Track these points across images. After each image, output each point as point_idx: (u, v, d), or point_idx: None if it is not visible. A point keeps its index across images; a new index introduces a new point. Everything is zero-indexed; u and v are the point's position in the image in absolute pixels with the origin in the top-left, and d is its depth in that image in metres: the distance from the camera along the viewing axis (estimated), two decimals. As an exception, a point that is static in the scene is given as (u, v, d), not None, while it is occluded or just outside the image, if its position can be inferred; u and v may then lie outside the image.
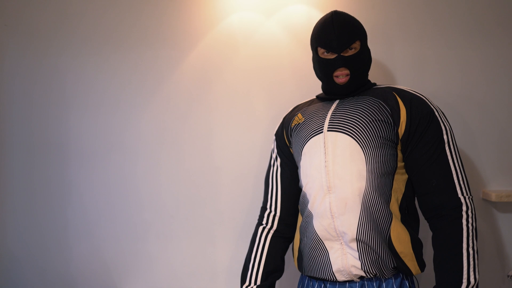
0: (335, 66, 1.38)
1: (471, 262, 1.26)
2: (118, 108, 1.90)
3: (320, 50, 1.41)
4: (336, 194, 1.33)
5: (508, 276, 1.74)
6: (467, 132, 1.78)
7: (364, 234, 1.30)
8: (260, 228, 1.55)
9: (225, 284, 1.87)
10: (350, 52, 1.38)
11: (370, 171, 1.32)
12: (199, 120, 1.89)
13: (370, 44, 1.60)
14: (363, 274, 1.31)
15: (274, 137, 1.60)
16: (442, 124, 1.35)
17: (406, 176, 1.38)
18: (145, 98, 1.90)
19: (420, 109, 1.34)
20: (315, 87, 1.82)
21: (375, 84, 1.48)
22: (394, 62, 1.82)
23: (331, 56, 1.39)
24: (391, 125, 1.34)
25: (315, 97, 1.57)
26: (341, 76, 1.39)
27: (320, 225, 1.35)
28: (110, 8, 1.90)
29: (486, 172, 1.78)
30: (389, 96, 1.38)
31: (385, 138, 1.34)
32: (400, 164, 1.36)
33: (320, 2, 1.84)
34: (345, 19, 1.39)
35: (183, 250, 1.88)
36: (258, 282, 1.48)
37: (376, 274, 1.31)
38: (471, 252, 1.27)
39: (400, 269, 1.32)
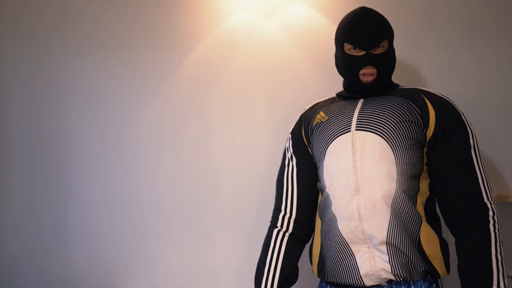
0: (362, 63, 1.34)
1: (500, 269, 1.25)
2: (117, 109, 1.90)
3: (347, 46, 1.36)
4: (365, 195, 1.29)
5: (508, 276, 1.76)
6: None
7: (394, 237, 1.26)
8: (275, 231, 1.47)
9: (225, 285, 1.85)
10: (378, 51, 1.34)
11: (400, 173, 1.29)
12: (199, 121, 1.89)
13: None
14: (392, 277, 1.27)
15: (289, 136, 1.54)
16: (468, 128, 1.34)
17: (429, 180, 1.36)
18: (144, 100, 1.89)
19: (448, 112, 1.33)
20: (314, 88, 1.84)
21: (399, 85, 1.45)
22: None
23: (359, 53, 1.35)
24: (420, 126, 1.32)
25: (335, 95, 1.52)
26: (368, 74, 1.35)
27: (347, 227, 1.30)
28: (109, 9, 1.91)
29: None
30: (417, 97, 1.36)
31: (414, 140, 1.31)
32: (425, 167, 1.34)
33: (320, 3, 1.82)
34: (375, 16, 1.36)
35: (182, 251, 1.87)
36: None
37: (406, 277, 1.27)
38: (499, 258, 1.26)
39: (429, 272, 1.29)
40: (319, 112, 1.46)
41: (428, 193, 1.34)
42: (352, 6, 1.78)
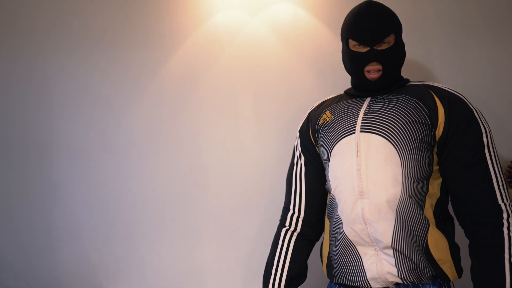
0: (367, 60, 1.29)
1: None
2: (104, 108, 1.87)
3: (352, 43, 1.31)
4: (369, 199, 1.26)
5: None
6: (502, 131, 1.70)
7: (400, 242, 1.23)
8: (283, 230, 1.47)
9: (213, 285, 1.84)
10: (383, 46, 1.28)
11: (406, 176, 1.24)
12: (186, 120, 1.86)
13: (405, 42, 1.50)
14: (399, 281, 1.25)
15: (297, 134, 1.51)
16: (482, 126, 1.27)
17: (440, 180, 1.30)
18: (131, 99, 1.86)
19: (459, 109, 1.26)
20: (301, 86, 1.83)
21: (408, 81, 1.39)
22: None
23: (363, 49, 1.29)
24: (428, 126, 1.26)
25: (343, 92, 1.47)
26: (373, 71, 1.30)
27: (352, 231, 1.28)
28: (97, 10, 1.87)
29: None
30: (426, 95, 1.29)
31: (422, 141, 1.26)
32: (435, 168, 1.29)
33: (305, 1, 1.80)
34: (380, 10, 1.29)
35: (170, 250, 1.85)
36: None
37: (413, 281, 1.25)
38: None
39: (438, 276, 1.26)
40: (325, 111, 1.42)
41: (438, 195, 1.29)
42: (338, 3, 1.79)
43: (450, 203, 1.33)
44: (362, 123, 1.31)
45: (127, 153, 1.86)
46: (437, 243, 1.25)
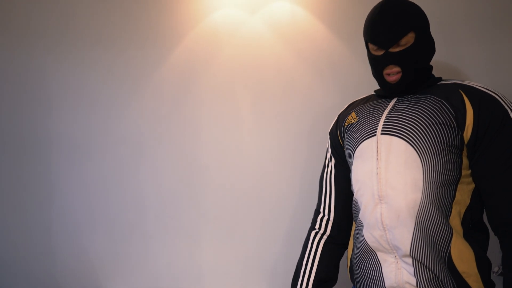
0: (384, 63, 1.24)
1: None
2: (101, 107, 1.87)
3: (370, 46, 1.28)
4: (388, 204, 1.21)
5: (493, 272, 1.50)
6: None
7: (419, 251, 1.17)
8: (313, 233, 1.47)
9: (210, 285, 1.83)
10: (400, 47, 1.22)
11: (427, 181, 1.18)
12: (183, 119, 1.85)
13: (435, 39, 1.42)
14: None
15: (328, 136, 1.50)
16: None
17: (472, 186, 1.21)
18: (128, 97, 1.86)
19: (490, 109, 1.16)
20: (300, 85, 1.78)
21: (440, 79, 1.30)
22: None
23: (380, 52, 1.25)
24: (454, 129, 1.17)
25: (373, 92, 1.43)
26: (392, 74, 1.24)
27: (371, 236, 1.25)
28: (94, 7, 1.87)
29: None
30: (454, 94, 1.21)
31: (447, 144, 1.18)
32: (466, 172, 1.20)
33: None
34: (395, 9, 1.23)
35: (167, 249, 1.85)
36: None
37: None
38: None
39: None
40: (351, 112, 1.39)
41: (468, 202, 1.20)
42: (337, 2, 1.75)
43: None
44: (384, 125, 1.26)
45: (125, 152, 1.86)
46: (461, 254, 1.16)
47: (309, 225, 1.73)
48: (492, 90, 1.21)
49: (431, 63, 1.39)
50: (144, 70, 1.85)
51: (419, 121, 1.21)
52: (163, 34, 1.85)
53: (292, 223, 1.80)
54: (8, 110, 1.89)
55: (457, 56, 1.66)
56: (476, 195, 1.21)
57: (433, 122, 1.19)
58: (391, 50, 1.22)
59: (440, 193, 1.17)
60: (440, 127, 1.18)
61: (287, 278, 1.76)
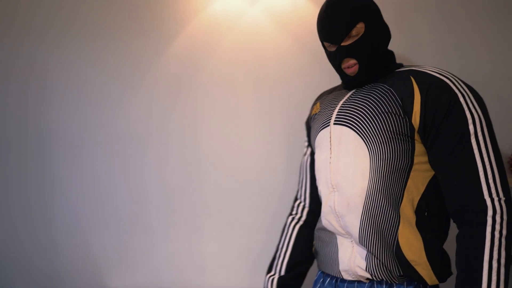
0: (339, 58, 1.25)
1: (494, 277, 1.05)
2: (101, 100, 1.85)
3: (325, 44, 1.29)
4: (339, 193, 1.24)
5: None
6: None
7: (366, 238, 1.19)
8: (290, 218, 1.53)
9: (214, 277, 1.84)
10: (352, 39, 1.22)
11: (374, 170, 1.18)
12: (184, 111, 1.84)
13: (395, 29, 1.41)
14: (369, 276, 1.21)
15: (305, 126, 1.55)
16: (468, 112, 1.12)
17: (430, 173, 1.19)
18: (128, 90, 1.84)
19: (438, 95, 1.13)
20: (300, 74, 1.77)
21: (399, 66, 1.28)
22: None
23: (333, 48, 1.26)
24: (401, 116, 1.17)
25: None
26: (350, 66, 1.25)
27: (328, 222, 1.29)
28: (94, 1, 1.86)
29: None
30: (404, 82, 1.19)
31: (395, 132, 1.17)
32: (420, 159, 1.18)
33: None
34: (340, 2, 1.22)
35: (169, 242, 1.85)
36: (283, 273, 1.47)
37: (384, 279, 1.20)
38: (494, 265, 1.06)
39: (411, 277, 1.18)
40: (317, 103, 1.42)
41: (422, 190, 1.18)
42: None
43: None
44: (337, 115, 1.28)
45: (126, 146, 1.85)
46: (409, 242, 1.16)
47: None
48: (445, 74, 1.17)
49: (393, 49, 1.37)
50: (144, 62, 1.84)
51: (367, 110, 1.21)
52: (162, 26, 1.83)
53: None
54: (11, 106, 1.87)
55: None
56: (433, 183, 1.19)
57: (380, 111, 1.19)
58: (343, 44, 1.23)
59: (389, 181, 1.18)
60: (387, 116, 1.18)
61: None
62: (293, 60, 1.80)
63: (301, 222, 1.50)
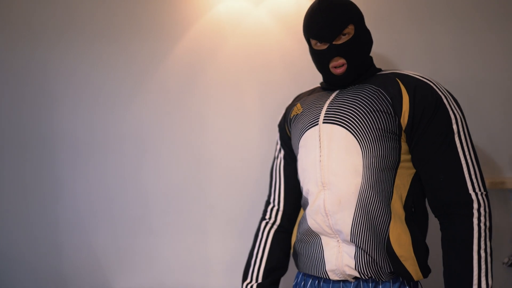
0: (329, 56, 1.27)
1: (483, 266, 1.13)
2: (106, 102, 1.85)
3: (313, 42, 1.30)
4: (330, 191, 1.24)
5: (503, 263, 1.59)
6: (478, 119, 1.63)
7: (358, 235, 1.20)
8: (263, 223, 1.50)
9: (219, 278, 1.83)
10: (343, 39, 1.26)
11: (366, 166, 1.21)
12: (189, 112, 1.83)
13: (373, 31, 1.46)
14: (357, 274, 1.22)
15: (277, 128, 1.53)
16: (451, 112, 1.20)
17: (413, 171, 1.25)
18: (133, 92, 1.84)
19: (425, 96, 1.21)
20: (305, 75, 1.77)
21: (379, 70, 1.35)
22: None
23: (324, 46, 1.28)
24: (391, 115, 1.22)
25: (319, 84, 1.46)
26: (338, 66, 1.28)
27: (314, 222, 1.28)
28: (95, 0, 1.85)
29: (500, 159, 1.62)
30: (391, 83, 1.25)
31: (385, 130, 1.22)
32: (405, 157, 1.24)
33: None
34: (332, 3, 1.26)
35: (174, 244, 1.84)
36: (260, 280, 1.43)
37: (372, 276, 1.22)
38: (482, 254, 1.14)
39: (399, 273, 1.21)
40: (297, 104, 1.43)
41: (407, 187, 1.24)
42: None
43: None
44: (325, 114, 1.30)
45: (130, 147, 1.84)
46: (399, 238, 1.20)
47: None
48: (427, 78, 1.26)
49: (372, 55, 1.44)
50: (149, 63, 1.83)
51: (358, 109, 1.25)
52: (167, 27, 1.82)
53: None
54: (11, 107, 1.87)
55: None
56: (416, 180, 1.25)
57: (371, 109, 1.23)
58: (334, 42, 1.25)
59: (380, 178, 1.21)
60: (378, 114, 1.23)
61: (295, 271, 1.76)
62: (298, 61, 1.78)
63: (275, 227, 1.47)
